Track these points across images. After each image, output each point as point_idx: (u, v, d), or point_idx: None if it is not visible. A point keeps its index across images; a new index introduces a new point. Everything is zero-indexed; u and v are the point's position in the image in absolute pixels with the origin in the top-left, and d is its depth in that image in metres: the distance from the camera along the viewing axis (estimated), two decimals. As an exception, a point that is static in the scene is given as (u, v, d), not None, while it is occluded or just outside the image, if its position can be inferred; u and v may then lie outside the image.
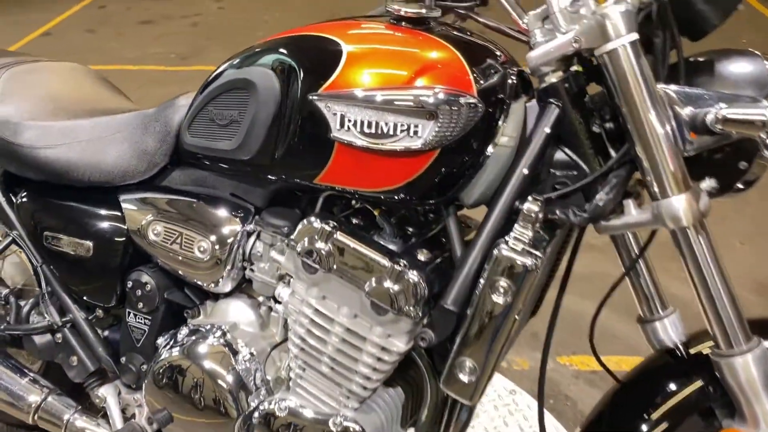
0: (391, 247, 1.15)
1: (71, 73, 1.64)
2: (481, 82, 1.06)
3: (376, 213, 1.18)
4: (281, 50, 1.15)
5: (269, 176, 1.19)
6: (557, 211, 1.07)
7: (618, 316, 1.73)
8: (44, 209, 1.47)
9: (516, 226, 1.04)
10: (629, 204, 1.07)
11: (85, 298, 1.48)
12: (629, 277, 1.21)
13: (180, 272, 1.35)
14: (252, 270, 1.30)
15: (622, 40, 0.97)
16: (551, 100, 1.06)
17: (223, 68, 1.25)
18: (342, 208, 1.24)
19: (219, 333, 1.32)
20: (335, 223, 1.13)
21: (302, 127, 1.10)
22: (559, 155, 1.09)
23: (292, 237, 1.16)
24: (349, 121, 1.04)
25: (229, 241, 1.29)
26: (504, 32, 1.24)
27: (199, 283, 1.34)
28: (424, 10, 1.10)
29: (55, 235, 1.43)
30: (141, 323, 1.42)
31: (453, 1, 1.27)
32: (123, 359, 1.46)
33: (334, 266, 1.12)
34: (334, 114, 1.05)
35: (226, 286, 1.33)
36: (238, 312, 1.35)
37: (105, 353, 1.48)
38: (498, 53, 1.16)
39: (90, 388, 1.51)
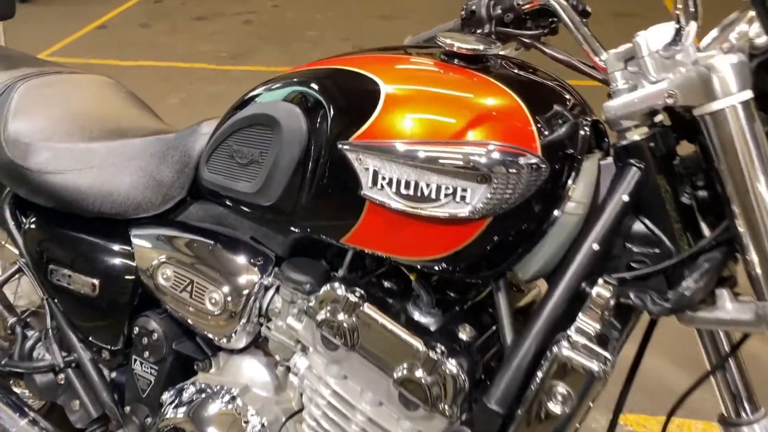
0: (428, 320, 0.98)
1: (94, 88, 1.51)
2: (547, 135, 0.87)
3: (412, 278, 1.00)
4: (311, 85, 0.98)
5: (291, 228, 1.03)
6: (631, 296, 0.88)
7: (676, 369, 1.50)
8: (51, 239, 1.34)
9: (581, 315, 0.85)
10: (723, 295, 0.86)
11: (90, 337, 1.35)
12: (714, 375, 1.00)
13: (190, 322, 1.20)
14: (268, 328, 1.14)
15: (732, 99, 0.76)
16: (632, 160, 0.87)
17: (249, 97, 1.09)
18: (373, 263, 1.07)
19: (228, 397, 1.17)
20: (362, 292, 0.96)
21: (329, 179, 0.94)
22: (637, 226, 0.90)
23: (311, 304, 0.99)
24: (384, 178, 0.86)
25: (245, 293, 1.13)
26: (575, 67, 1.04)
27: (209, 336, 1.19)
28: (481, 47, 0.92)
29: (59, 269, 1.30)
30: (147, 372, 1.28)
31: (516, 28, 1.09)
32: (127, 408, 1.33)
33: (359, 344, 0.95)
34: (366, 168, 0.88)
35: (240, 343, 1.18)
36: (252, 371, 1.20)
37: (109, 399, 1.35)
38: (567, 96, 0.96)
39: (91, 435, 1.39)
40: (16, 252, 1.43)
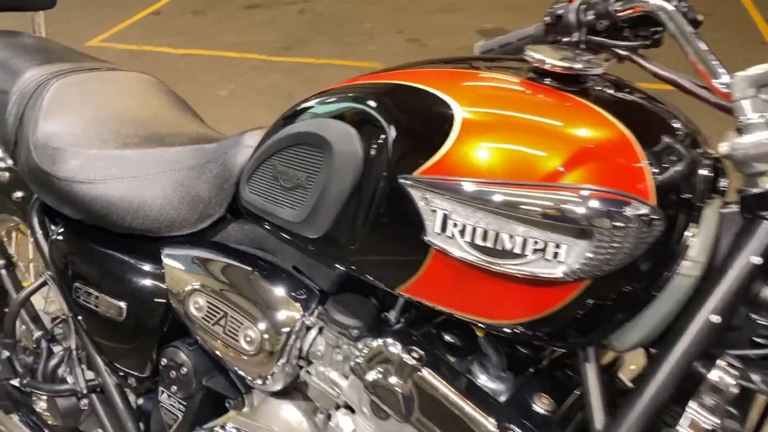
0: (497, 386, 0.82)
1: (133, 87, 1.39)
2: (660, 176, 0.70)
3: (479, 334, 0.84)
4: (369, 103, 0.83)
5: (338, 266, 0.88)
6: (755, 379, 0.71)
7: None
8: (77, 254, 1.23)
9: (694, 404, 0.68)
10: None
11: (116, 361, 1.24)
12: None
13: (222, 359, 1.07)
14: (309, 372, 1.00)
15: None
16: (765, 213, 0.69)
17: (298, 110, 0.95)
18: (431, 309, 0.91)
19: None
20: (420, 353, 0.81)
21: (386, 218, 0.78)
22: (766, 293, 0.72)
23: (359, 361, 0.85)
24: (455, 224, 0.71)
25: (284, 331, 0.99)
26: (684, 88, 0.86)
27: (245, 376, 1.05)
28: (579, 65, 0.75)
29: (85, 288, 1.19)
30: (174, 407, 1.16)
31: (610, 37, 0.91)
32: (152, 443, 1.21)
33: (414, 416, 0.80)
34: (433, 210, 0.72)
35: (276, 386, 1.04)
36: (289, 417, 1.06)
37: (135, 429, 1.24)
38: (679, 124, 0.79)
39: (114, 467, 1.28)
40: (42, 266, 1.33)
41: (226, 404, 1.14)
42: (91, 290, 1.18)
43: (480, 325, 0.77)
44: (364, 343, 0.92)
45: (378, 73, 0.93)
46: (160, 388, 1.17)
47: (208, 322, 1.06)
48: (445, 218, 0.71)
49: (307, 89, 4.22)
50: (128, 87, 1.39)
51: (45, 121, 1.23)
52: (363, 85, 0.88)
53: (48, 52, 1.42)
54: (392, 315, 0.94)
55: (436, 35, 4.81)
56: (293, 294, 1.01)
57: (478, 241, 0.69)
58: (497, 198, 0.68)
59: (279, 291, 1.02)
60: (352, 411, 0.95)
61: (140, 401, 1.28)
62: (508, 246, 0.68)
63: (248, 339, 1.01)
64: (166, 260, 1.13)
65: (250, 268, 1.06)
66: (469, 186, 0.69)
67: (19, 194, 1.34)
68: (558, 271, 0.67)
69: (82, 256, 1.21)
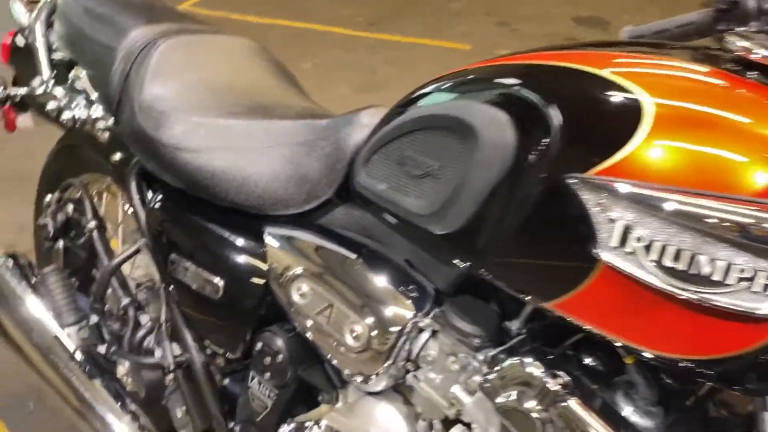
0: (647, 423, 0.72)
1: (238, 54, 1.32)
2: None
3: (627, 361, 0.74)
4: (528, 87, 0.72)
5: (471, 271, 0.79)
6: None
7: None
8: (176, 224, 1.17)
9: None
10: None
11: (206, 339, 1.18)
12: None
13: (321, 351, 1.00)
14: (417, 378, 0.92)
15: None
16: None
17: (430, 91, 0.86)
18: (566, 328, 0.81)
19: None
20: (567, 380, 0.71)
21: (543, 222, 0.69)
22: None
23: (490, 377, 0.75)
24: (639, 239, 0.60)
25: (394, 330, 0.91)
26: None
27: (345, 372, 0.98)
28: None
29: (182, 260, 1.14)
30: (264, 395, 1.10)
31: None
32: (237, 428, 1.16)
33: (554, 447, 0.70)
34: (611, 220, 0.62)
35: (378, 386, 0.96)
36: (387, 421, 0.98)
37: (220, 413, 1.19)
38: None
39: (194, 448, 1.23)
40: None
41: (319, 398, 1.07)
42: (188, 263, 1.13)
43: (642, 355, 0.66)
44: (485, 354, 0.83)
45: (522, 54, 0.82)
46: (251, 373, 1.11)
47: (311, 311, 0.99)
48: (627, 231, 0.60)
49: (392, 67, 4.13)
50: (233, 53, 1.32)
51: (151, 83, 1.18)
52: (516, 67, 0.78)
53: (153, 11, 1.37)
54: (514, 325, 0.85)
55: (528, 20, 4.61)
56: (406, 290, 0.92)
57: (667, 262, 0.58)
58: (699, 212, 0.57)
59: (390, 286, 0.94)
60: (466, 425, 0.86)
61: (225, 381, 1.23)
62: (705, 271, 0.57)
63: (354, 334, 0.93)
64: (268, 240, 1.06)
65: (359, 258, 0.98)
66: (664, 195, 0.58)
67: (117, 156, 1.30)
68: (766, 307, 0.55)
69: (181, 227, 1.16)
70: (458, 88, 0.82)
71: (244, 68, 1.30)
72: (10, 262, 1.44)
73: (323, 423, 1.01)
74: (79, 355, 1.30)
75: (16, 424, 1.83)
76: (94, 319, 1.28)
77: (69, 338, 1.29)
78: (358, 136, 0.99)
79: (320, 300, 0.98)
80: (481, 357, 0.83)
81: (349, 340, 0.94)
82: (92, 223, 1.43)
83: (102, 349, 1.28)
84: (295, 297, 1.00)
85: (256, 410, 1.12)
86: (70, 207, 1.51)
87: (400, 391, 0.99)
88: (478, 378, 0.82)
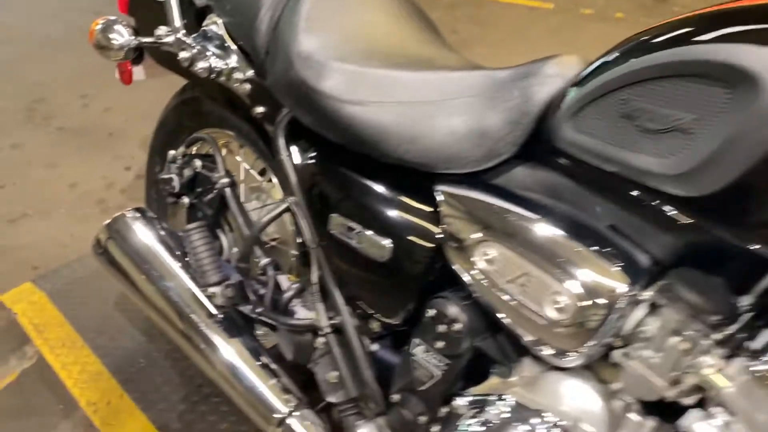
0: None
1: (389, 5, 1.23)
2: None
3: None
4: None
5: (732, 239, 0.70)
6: None
7: None
8: (336, 182, 1.11)
9: None
10: None
11: (361, 303, 1.13)
12: None
13: (509, 324, 0.93)
14: (627, 356, 0.84)
15: None
16: None
17: (664, 32, 0.76)
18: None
19: (547, 426, 0.89)
20: None
21: None
22: None
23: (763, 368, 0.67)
24: None
25: (604, 303, 0.83)
26: None
27: (536, 348, 0.91)
28: None
29: (346, 222, 1.07)
30: (432, 364, 1.04)
31: None
32: (395, 397, 1.10)
33: None
34: None
35: (575, 362, 0.89)
36: (581, 399, 0.91)
37: (374, 379, 1.14)
38: None
39: (344, 414, 1.19)
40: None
41: (491, 370, 1.01)
42: (352, 224, 1.06)
43: None
44: (722, 333, 0.75)
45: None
46: (416, 341, 1.05)
47: (500, 278, 0.91)
48: None
49: (474, 26, 3.96)
50: (386, 4, 1.23)
51: (307, 32, 1.11)
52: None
53: None
54: (744, 300, 0.76)
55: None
56: (615, 259, 0.84)
57: None
58: None
59: (596, 254, 0.85)
60: (696, 408, 0.79)
61: (376, 347, 1.17)
62: None
63: (558, 306, 0.85)
64: (441, 200, 0.99)
65: (553, 222, 0.89)
66: None
67: (260, 109, 1.23)
68: None
69: (342, 185, 1.10)
70: (715, 25, 0.72)
71: (395, 16, 1.22)
72: (140, 217, 1.40)
73: (508, 398, 0.94)
74: (220, 315, 1.26)
75: (127, 379, 1.83)
76: (237, 277, 1.24)
77: (213, 297, 1.25)
78: (547, 89, 0.90)
79: (512, 267, 0.90)
80: (717, 336, 0.75)
81: (550, 312, 0.86)
82: (225, 180, 1.38)
83: (245, 309, 1.24)
84: (480, 263, 0.93)
85: (420, 379, 1.06)
86: (198, 162, 1.46)
87: (589, 366, 0.92)
88: (709, 359, 0.75)
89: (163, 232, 1.38)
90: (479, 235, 0.93)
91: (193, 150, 1.52)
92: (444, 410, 1.06)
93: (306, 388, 1.28)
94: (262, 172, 1.62)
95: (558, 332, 0.87)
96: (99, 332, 1.97)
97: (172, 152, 1.51)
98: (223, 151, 1.57)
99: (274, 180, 1.37)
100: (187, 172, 1.48)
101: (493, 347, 0.99)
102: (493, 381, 1.01)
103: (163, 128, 1.63)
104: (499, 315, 0.93)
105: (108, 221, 1.40)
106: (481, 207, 0.95)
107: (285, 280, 1.31)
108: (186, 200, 1.51)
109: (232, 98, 1.40)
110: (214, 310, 1.27)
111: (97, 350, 1.92)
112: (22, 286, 2.20)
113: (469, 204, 0.96)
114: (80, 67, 3.59)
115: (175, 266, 1.32)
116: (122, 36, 1.31)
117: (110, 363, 1.88)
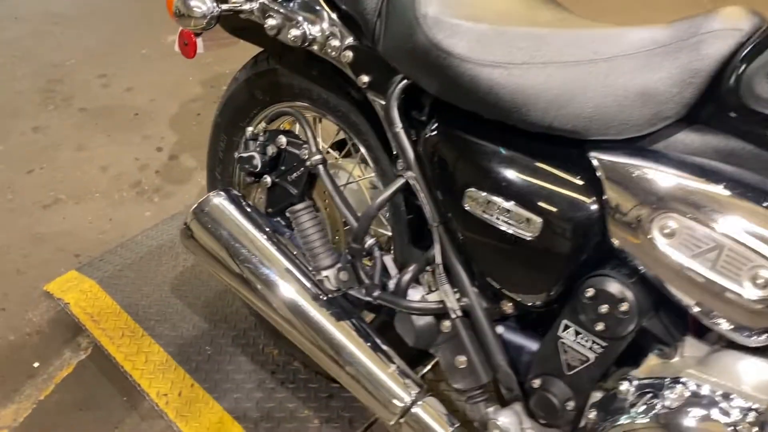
0: None
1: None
2: None
3: None
4: None
5: None
6: None
7: None
8: (471, 155, 1.02)
9: None
10: None
11: (494, 283, 1.05)
12: None
13: (690, 301, 0.85)
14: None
15: None
16: None
17: None
18: None
19: (738, 411, 0.83)
20: None
21: None
22: None
23: None
24: None
25: (810, 275, 0.76)
26: None
27: (722, 327, 0.84)
28: None
29: (487, 196, 0.99)
30: (585, 347, 0.97)
31: None
32: (536, 382, 1.04)
33: None
34: None
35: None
36: (763, 379, 0.85)
37: (507, 365, 1.07)
38: None
39: (474, 401, 1.12)
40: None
41: (655, 351, 0.94)
42: (494, 199, 0.98)
43: None
44: None
45: None
46: (564, 322, 0.98)
47: (683, 253, 0.84)
48: None
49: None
50: None
51: None
52: None
53: None
54: None
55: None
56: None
57: None
58: None
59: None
60: None
61: (500, 329, 1.10)
62: None
63: (760, 282, 0.78)
64: (603, 170, 0.90)
65: (744, 191, 0.82)
66: None
67: (365, 78, 1.14)
68: None
69: (479, 157, 1.01)
70: None
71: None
72: (228, 198, 1.32)
73: (687, 380, 0.87)
74: (330, 299, 1.18)
75: (195, 368, 1.75)
76: (349, 258, 1.16)
77: (325, 281, 1.17)
78: (720, 45, 0.82)
79: (698, 240, 0.83)
80: None
81: (750, 288, 0.79)
82: (317, 157, 1.29)
83: (358, 293, 1.16)
84: (657, 237, 0.85)
85: (569, 363, 0.99)
86: (284, 139, 1.37)
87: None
88: None
89: (255, 213, 1.30)
90: (654, 206, 0.86)
91: (275, 126, 1.43)
92: (597, 395, 0.99)
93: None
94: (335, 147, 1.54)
95: (756, 309, 0.80)
96: (159, 320, 1.89)
97: (250, 129, 1.42)
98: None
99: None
100: (271, 150, 1.38)
101: (659, 327, 0.92)
102: (652, 362, 0.95)
103: (231, 104, 1.53)
104: (676, 292, 0.86)
105: (195, 205, 1.30)
106: (653, 176, 0.87)
107: (390, 261, 1.23)
108: (268, 179, 1.42)
109: (319, 68, 1.31)
110: (322, 295, 1.19)
111: (159, 339, 1.84)
112: (68, 275, 2.11)
113: (637, 173, 0.88)
114: (95, 46, 3.45)
115: (274, 249, 1.24)
116: (204, 3, 1.22)
117: (175, 352, 1.80)
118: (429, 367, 1.69)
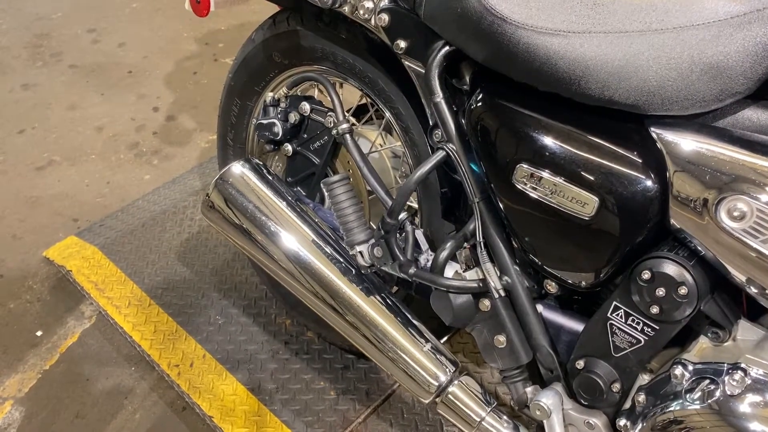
0: None
1: None
2: None
3: None
4: None
5: None
6: None
7: None
8: (523, 129, 0.97)
9: None
10: None
11: (539, 262, 1.01)
12: None
13: (759, 286, 0.82)
14: None
15: None
16: None
17: None
18: None
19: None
20: None
21: None
22: None
23: None
24: None
25: None
26: None
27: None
28: None
29: (541, 173, 0.94)
30: (636, 329, 0.94)
31: None
32: (580, 363, 1.01)
33: None
34: None
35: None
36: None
37: (548, 344, 1.04)
38: None
39: (511, 381, 1.09)
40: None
41: (707, 334, 0.91)
42: (546, 175, 0.93)
43: None
44: None
45: None
46: (614, 303, 0.95)
47: (754, 236, 0.80)
48: None
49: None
50: None
51: None
52: None
53: None
54: None
55: None
56: None
57: None
58: None
59: None
60: None
61: (540, 308, 1.07)
62: None
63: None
64: (666, 148, 0.86)
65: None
66: None
67: (402, 44, 1.08)
68: None
69: (530, 132, 0.95)
70: None
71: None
72: (253, 168, 1.25)
73: (749, 367, 0.85)
74: (363, 274, 1.14)
75: (207, 338, 1.71)
76: (383, 232, 1.11)
77: (359, 256, 1.12)
78: None
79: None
80: None
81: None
82: (344, 126, 1.23)
83: (392, 269, 1.12)
84: (725, 220, 0.82)
85: (618, 345, 0.96)
86: (307, 106, 1.30)
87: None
88: None
89: (278, 183, 1.24)
90: (722, 188, 0.82)
91: (298, 91, 1.36)
92: (645, 377, 0.97)
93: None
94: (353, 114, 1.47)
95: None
96: (166, 289, 1.84)
97: (270, 95, 1.35)
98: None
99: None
100: (293, 117, 1.32)
101: (714, 310, 0.89)
102: (704, 345, 0.92)
103: (246, 66, 1.46)
104: (740, 277, 0.83)
105: (217, 176, 1.24)
106: (722, 155, 0.83)
107: (422, 236, 1.19)
108: (289, 148, 1.36)
109: (346, 30, 1.24)
110: (355, 270, 1.15)
111: (167, 308, 1.79)
112: (68, 241, 2.04)
113: (704, 151, 0.84)
114: (82, -2, 3.31)
115: (301, 221, 1.19)
116: (226, -42, 1.14)
117: (185, 322, 1.76)
118: (445, 339, 1.67)
